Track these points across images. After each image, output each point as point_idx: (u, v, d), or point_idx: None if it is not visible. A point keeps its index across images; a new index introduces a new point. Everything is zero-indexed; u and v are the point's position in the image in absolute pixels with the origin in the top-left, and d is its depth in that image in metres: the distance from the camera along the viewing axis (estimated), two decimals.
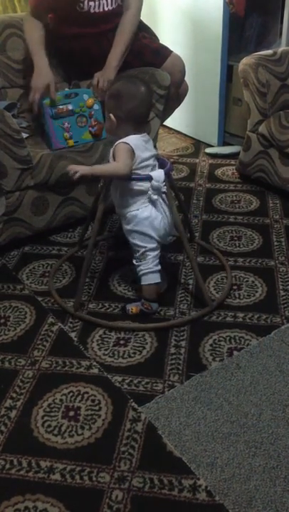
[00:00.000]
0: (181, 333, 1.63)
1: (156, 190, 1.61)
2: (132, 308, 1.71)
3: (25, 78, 2.34)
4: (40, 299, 1.81)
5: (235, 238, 2.12)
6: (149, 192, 1.61)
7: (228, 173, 2.70)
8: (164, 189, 1.63)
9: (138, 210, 1.63)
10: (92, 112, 2.06)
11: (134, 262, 1.69)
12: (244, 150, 2.51)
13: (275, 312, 1.70)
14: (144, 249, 1.66)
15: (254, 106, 2.39)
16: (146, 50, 2.23)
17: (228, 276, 1.87)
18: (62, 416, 1.36)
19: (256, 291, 1.80)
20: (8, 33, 2.28)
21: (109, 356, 1.55)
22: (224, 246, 2.07)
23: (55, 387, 1.45)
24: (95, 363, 1.53)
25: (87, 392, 1.43)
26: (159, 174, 1.60)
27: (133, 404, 1.38)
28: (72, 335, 1.64)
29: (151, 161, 1.64)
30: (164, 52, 2.32)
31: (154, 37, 2.39)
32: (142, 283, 1.69)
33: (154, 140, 2.34)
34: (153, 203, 1.63)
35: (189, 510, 1.13)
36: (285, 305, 1.73)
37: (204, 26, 2.79)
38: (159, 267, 1.68)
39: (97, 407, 1.38)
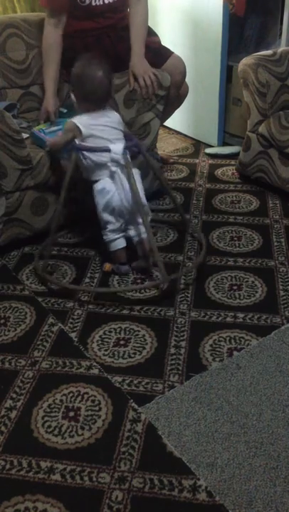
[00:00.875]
0: (181, 334, 1.63)
1: (115, 162, 1.76)
2: (106, 265, 1.93)
3: (25, 79, 2.35)
4: (40, 299, 1.81)
5: (235, 238, 2.12)
6: (108, 164, 1.77)
7: (228, 174, 2.70)
8: (122, 161, 1.77)
9: (96, 182, 1.81)
10: None
11: (101, 232, 1.88)
12: (244, 150, 2.51)
13: (275, 312, 1.70)
14: (103, 222, 1.85)
15: (254, 106, 2.39)
16: (147, 50, 2.24)
17: (201, 254, 1.96)
18: (63, 416, 1.36)
19: (256, 292, 1.80)
20: (8, 34, 2.28)
21: (110, 356, 1.55)
22: (224, 246, 2.07)
23: (55, 388, 1.45)
24: (95, 364, 1.53)
25: (87, 393, 1.43)
26: (117, 147, 1.77)
27: (133, 404, 1.39)
28: (73, 335, 1.64)
29: (108, 135, 1.80)
30: (164, 53, 2.32)
31: (155, 37, 2.39)
32: (109, 249, 1.89)
33: (154, 140, 2.34)
34: (112, 176, 1.79)
35: (189, 511, 1.13)
36: (285, 305, 1.73)
37: (204, 27, 2.79)
38: (117, 235, 1.86)
39: (97, 408, 1.38)
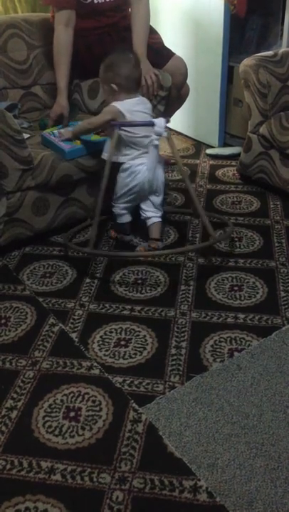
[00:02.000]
0: (182, 334, 1.63)
1: (158, 135, 1.86)
2: (112, 232, 2.11)
3: (26, 79, 2.35)
4: (40, 299, 1.81)
5: (236, 239, 2.12)
6: (152, 137, 1.86)
7: (229, 174, 2.70)
8: (165, 134, 1.87)
9: (126, 162, 1.93)
10: None
11: (112, 203, 2.04)
12: (245, 151, 2.51)
13: (276, 313, 1.70)
14: (117, 195, 2.00)
15: (255, 107, 2.39)
16: (149, 49, 2.24)
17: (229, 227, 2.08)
18: (63, 416, 1.36)
19: (257, 292, 1.80)
20: (9, 34, 2.29)
21: (110, 357, 1.55)
22: (225, 247, 2.07)
23: (56, 388, 1.45)
24: (95, 364, 1.53)
25: (87, 393, 1.43)
26: (160, 121, 1.85)
27: (134, 405, 1.38)
28: (73, 335, 1.64)
29: (142, 119, 1.91)
30: (166, 54, 2.32)
31: (156, 34, 2.38)
32: (115, 221, 2.07)
33: None
34: (145, 152, 1.90)
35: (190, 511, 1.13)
36: (286, 306, 1.73)
37: (205, 27, 2.79)
38: (125, 211, 2.04)
39: (97, 408, 1.38)
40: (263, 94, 2.33)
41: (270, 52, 2.39)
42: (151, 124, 1.86)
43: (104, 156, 1.94)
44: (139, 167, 1.93)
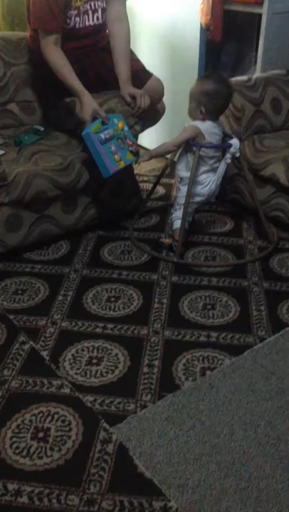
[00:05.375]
0: (155, 352, 1.62)
1: (232, 155, 2.03)
2: (167, 239, 2.19)
3: (2, 96, 2.35)
4: (11, 316, 1.78)
5: (210, 258, 2.13)
6: (227, 156, 2.03)
7: None
8: (238, 155, 2.04)
9: (200, 176, 2.06)
10: (125, 134, 2.11)
11: (172, 209, 2.23)
12: None
13: (248, 332, 1.71)
14: (179, 203, 2.13)
15: (229, 130, 2.43)
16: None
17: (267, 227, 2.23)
18: (31, 437, 1.33)
19: (230, 311, 1.81)
20: None
21: (82, 375, 1.53)
22: (198, 266, 2.08)
23: (25, 408, 1.42)
24: (66, 383, 1.50)
25: (57, 413, 1.40)
26: (236, 142, 2.03)
27: (104, 424, 1.36)
28: (44, 353, 1.61)
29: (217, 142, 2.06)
30: (144, 76, 2.36)
31: (134, 57, 2.42)
32: (173, 227, 2.16)
33: None
34: (213, 169, 2.07)
35: None
36: (258, 325, 1.74)
37: (182, 51, 2.85)
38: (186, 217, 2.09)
39: (67, 428, 1.35)
40: (237, 117, 2.37)
41: (244, 77, 2.45)
42: (230, 146, 2.01)
43: (181, 173, 2.12)
44: (207, 179, 2.07)
